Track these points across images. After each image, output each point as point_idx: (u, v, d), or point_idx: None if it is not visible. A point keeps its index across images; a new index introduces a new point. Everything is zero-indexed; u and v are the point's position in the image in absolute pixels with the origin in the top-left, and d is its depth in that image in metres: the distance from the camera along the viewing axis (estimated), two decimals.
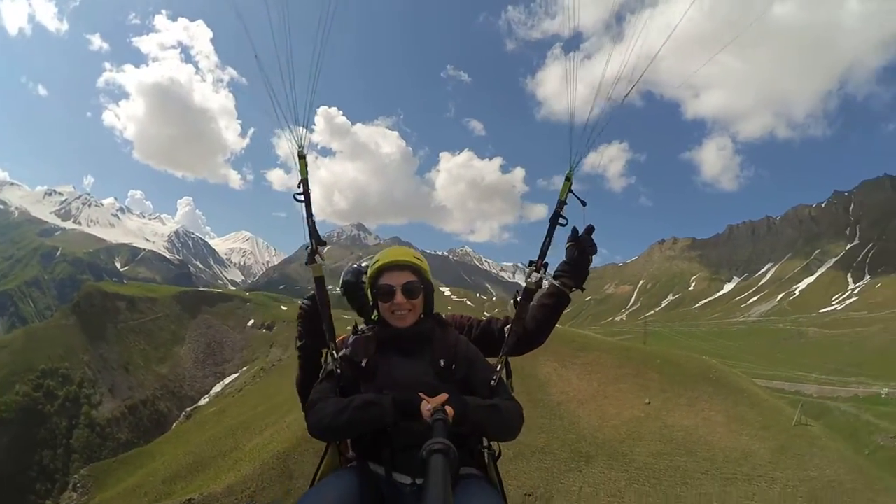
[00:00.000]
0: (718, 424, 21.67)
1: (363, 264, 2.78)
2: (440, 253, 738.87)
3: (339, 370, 2.34)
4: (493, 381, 2.32)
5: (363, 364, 2.30)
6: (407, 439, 2.07)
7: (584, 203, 2.52)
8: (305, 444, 20.55)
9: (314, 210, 2.53)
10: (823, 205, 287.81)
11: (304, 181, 2.49)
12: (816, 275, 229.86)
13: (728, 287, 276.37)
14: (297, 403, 2.59)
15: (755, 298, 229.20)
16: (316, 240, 2.51)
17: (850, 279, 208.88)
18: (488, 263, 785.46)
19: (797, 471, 18.18)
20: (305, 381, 2.62)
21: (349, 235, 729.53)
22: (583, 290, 2.62)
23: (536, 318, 2.58)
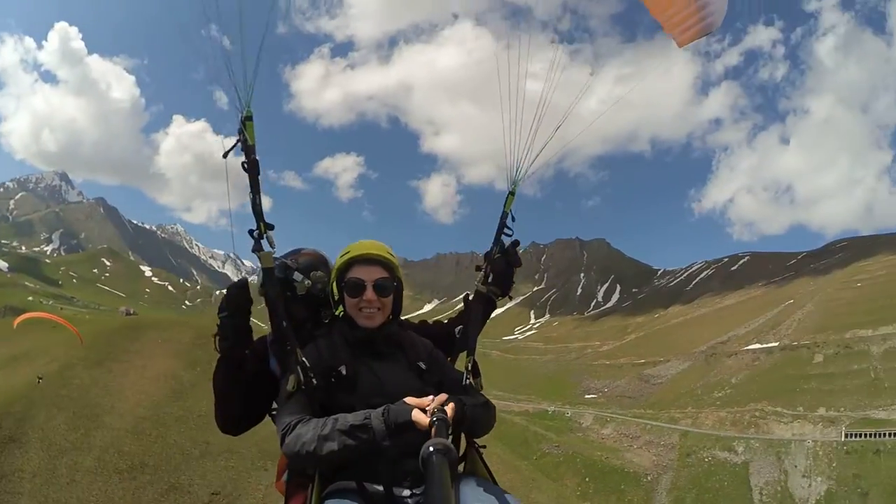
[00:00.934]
0: None
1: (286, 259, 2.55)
2: (148, 226, 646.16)
3: (314, 380, 2.09)
4: (464, 382, 2.29)
5: (344, 372, 2.12)
6: (401, 449, 1.91)
7: (513, 219, 2.68)
8: None
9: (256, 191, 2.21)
10: (521, 251, 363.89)
11: (251, 149, 2.23)
12: (505, 308, 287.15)
13: (427, 307, 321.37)
14: None
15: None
16: (263, 222, 2.26)
17: (532, 315, 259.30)
18: (198, 247, 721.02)
19: None
20: (230, 394, 2.37)
21: (49, 185, 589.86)
22: (510, 298, 2.74)
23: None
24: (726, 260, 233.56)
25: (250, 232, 2.25)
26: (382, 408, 1.89)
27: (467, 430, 2.11)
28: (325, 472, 1.99)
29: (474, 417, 2.05)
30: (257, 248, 2.24)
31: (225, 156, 2.26)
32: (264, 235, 2.25)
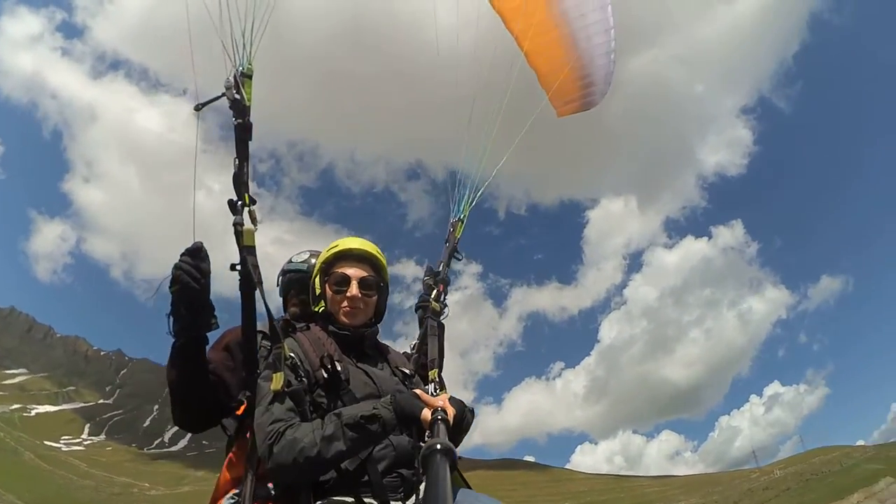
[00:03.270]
0: None
1: (302, 258, 2.61)
2: None
3: (304, 379, 1.89)
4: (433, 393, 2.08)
5: (338, 368, 1.93)
6: (391, 459, 1.82)
7: (460, 258, 2.92)
8: None
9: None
10: (105, 353, 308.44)
11: (247, 109, 2.02)
12: (60, 407, 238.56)
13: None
14: None
15: None
16: (248, 193, 2.00)
17: (86, 429, 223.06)
18: None
19: None
20: (190, 390, 2.04)
21: None
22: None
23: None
24: None
25: (231, 203, 1.96)
26: (389, 396, 1.79)
27: (461, 433, 1.91)
28: (315, 486, 1.78)
29: (468, 422, 1.93)
30: (240, 223, 1.96)
31: (198, 108, 2.01)
32: (247, 206, 1.97)
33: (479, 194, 3.13)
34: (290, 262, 2.76)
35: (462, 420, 1.88)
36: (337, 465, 1.76)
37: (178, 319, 1.98)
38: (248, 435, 2.00)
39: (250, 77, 2.08)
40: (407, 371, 2.25)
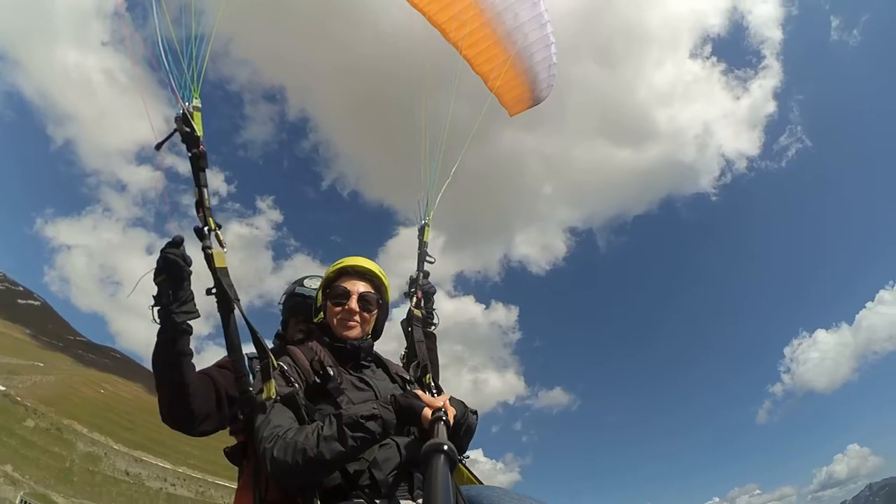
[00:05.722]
0: None
1: (315, 283, 2.66)
2: None
3: (297, 384, 1.95)
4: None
5: (331, 373, 2.00)
6: (395, 460, 1.85)
7: (433, 261, 2.98)
8: None
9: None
10: None
11: (198, 140, 2.13)
12: None
13: None
14: None
15: None
16: (212, 218, 2.10)
17: None
18: None
19: None
20: (177, 375, 2.09)
21: None
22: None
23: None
24: None
25: (198, 230, 2.06)
26: (389, 397, 1.82)
27: (463, 434, 1.97)
28: (322, 491, 1.78)
29: (470, 423, 1.98)
30: (207, 247, 2.04)
31: (158, 147, 2.14)
32: (213, 231, 2.07)
33: (437, 199, 3.27)
34: (301, 285, 2.78)
35: (464, 421, 1.92)
36: (338, 466, 1.76)
37: (166, 306, 2.03)
38: (252, 460, 2.00)
39: (199, 110, 2.21)
40: (407, 377, 2.32)
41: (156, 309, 2.05)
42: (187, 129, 2.14)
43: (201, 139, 2.15)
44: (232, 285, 2.05)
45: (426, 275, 3.00)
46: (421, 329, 2.74)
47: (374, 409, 1.76)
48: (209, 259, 2.06)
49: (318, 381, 2.00)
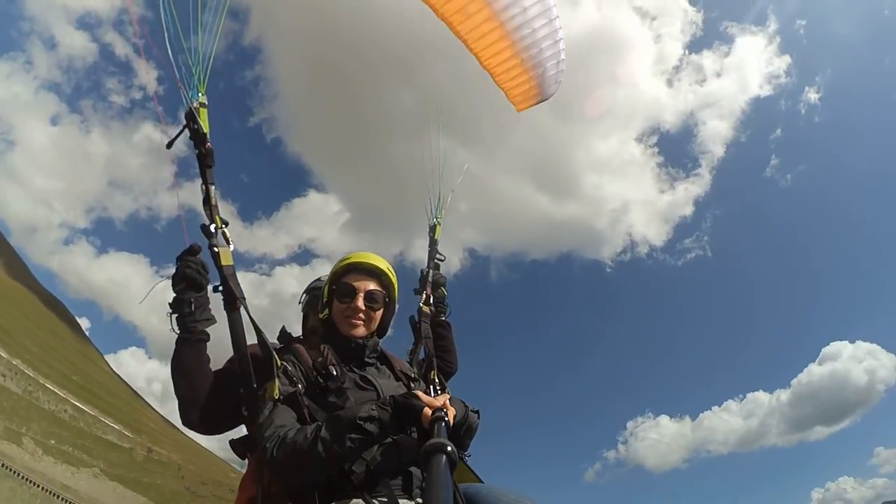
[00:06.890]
0: None
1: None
2: None
3: (300, 385, 1.94)
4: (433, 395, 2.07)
5: (334, 373, 1.97)
6: (396, 460, 1.82)
7: (443, 259, 3.03)
8: None
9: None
10: None
11: (205, 137, 2.14)
12: None
13: None
14: None
15: None
16: (219, 215, 2.10)
17: None
18: None
19: None
20: (199, 377, 2.09)
21: None
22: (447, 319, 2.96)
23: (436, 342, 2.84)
24: None
25: (205, 228, 2.06)
26: (388, 397, 1.80)
27: (463, 434, 1.95)
28: (322, 490, 1.78)
29: (471, 423, 1.96)
30: (213, 245, 2.05)
31: (169, 146, 2.16)
32: (220, 229, 2.08)
33: (449, 198, 3.33)
34: (319, 279, 2.84)
35: (465, 421, 1.91)
36: (336, 466, 1.76)
37: (186, 314, 2.05)
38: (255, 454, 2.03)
39: (205, 106, 2.22)
40: (412, 375, 2.30)
41: (174, 316, 2.06)
42: (195, 127, 2.16)
43: (208, 136, 2.16)
44: (238, 284, 2.07)
45: (437, 267, 3.04)
46: (429, 325, 2.76)
47: (372, 410, 1.76)
48: (215, 257, 2.08)
49: (320, 380, 2.01)
